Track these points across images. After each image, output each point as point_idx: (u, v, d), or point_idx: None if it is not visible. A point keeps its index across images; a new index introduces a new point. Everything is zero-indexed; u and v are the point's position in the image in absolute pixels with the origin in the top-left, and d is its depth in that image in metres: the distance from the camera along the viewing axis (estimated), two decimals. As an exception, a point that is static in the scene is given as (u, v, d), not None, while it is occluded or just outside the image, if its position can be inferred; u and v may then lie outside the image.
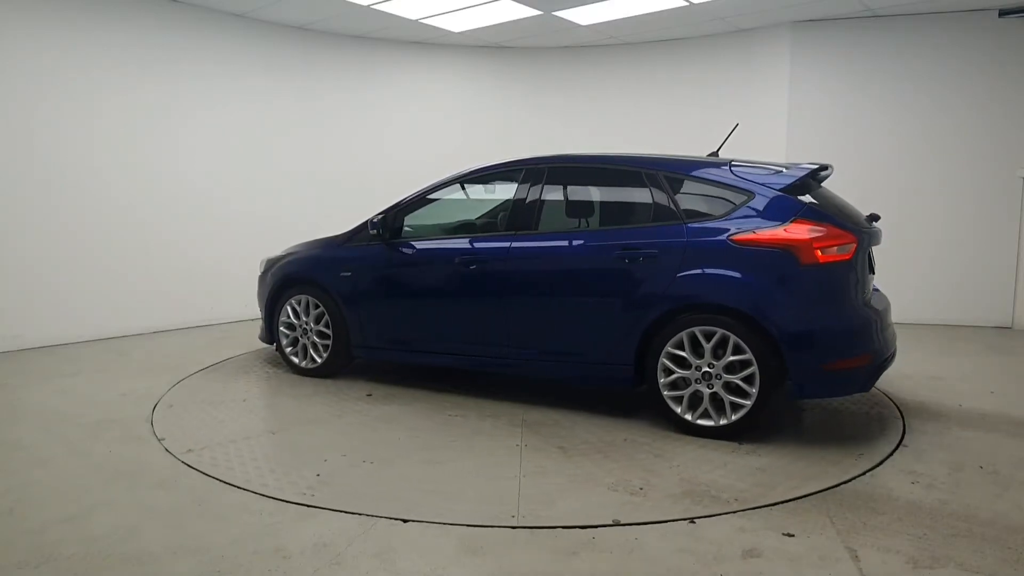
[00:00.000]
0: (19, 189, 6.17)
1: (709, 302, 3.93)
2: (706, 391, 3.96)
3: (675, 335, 3.99)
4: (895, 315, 7.63)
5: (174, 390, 5.02)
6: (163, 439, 3.98)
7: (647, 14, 7.37)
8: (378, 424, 4.30)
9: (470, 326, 4.70)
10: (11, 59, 6.07)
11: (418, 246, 4.92)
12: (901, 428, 4.19)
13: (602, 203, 4.67)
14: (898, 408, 4.59)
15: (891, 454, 3.78)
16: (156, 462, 3.70)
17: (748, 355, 3.83)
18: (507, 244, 4.57)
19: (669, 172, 4.25)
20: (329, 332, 5.18)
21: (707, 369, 3.93)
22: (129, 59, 6.75)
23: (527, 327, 4.50)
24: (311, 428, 4.23)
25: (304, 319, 5.29)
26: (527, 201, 4.60)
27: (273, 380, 5.29)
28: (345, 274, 5.07)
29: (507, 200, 4.84)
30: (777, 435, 4.06)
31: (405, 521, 3.00)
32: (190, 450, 3.81)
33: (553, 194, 4.62)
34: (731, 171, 4.17)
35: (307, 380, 5.25)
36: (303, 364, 5.35)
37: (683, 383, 4.02)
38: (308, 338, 5.30)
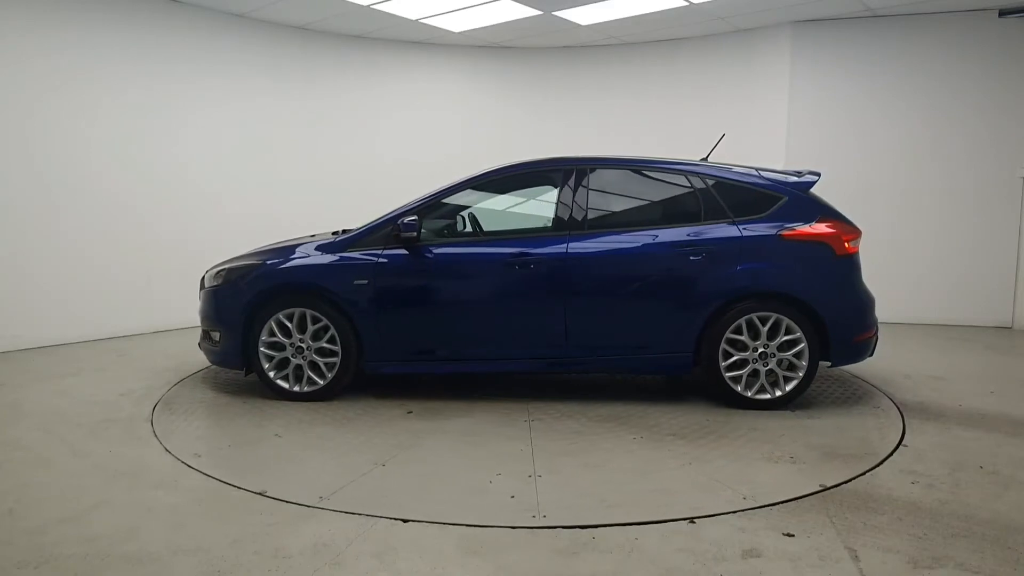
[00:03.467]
0: (19, 189, 6.17)
1: (767, 290, 4.48)
2: (762, 369, 4.49)
3: (735, 321, 4.46)
4: (895, 315, 7.66)
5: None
6: (264, 491, 3.28)
7: (647, 14, 7.37)
8: (471, 439, 4.02)
9: (524, 329, 4.60)
10: (11, 59, 6.07)
11: (458, 248, 4.71)
12: (901, 428, 4.20)
13: (653, 203, 4.82)
14: (898, 408, 4.59)
15: (891, 454, 3.78)
16: (156, 462, 3.70)
17: (798, 334, 4.44)
18: (564, 244, 4.57)
19: (712, 175, 4.69)
20: (336, 348, 4.62)
21: (763, 349, 4.45)
22: (129, 59, 6.75)
23: (590, 325, 4.56)
24: (412, 454, 3.81)
25: (298, 336, 4.64)
26: (578, 200, 4.65)
27: (288, 402, 4.66)
28: (360, 282, 4.58)
29: (545, 199, 4.84)
30: (809, 403, 4.70)
31: (405, 521, 3.00)
32: (321, 497, 3.24)
33: (603, 193, 4.73)
34: (761, 175, 4.74)
35: (312, 405, 4.60)
36: (298, 388, 4.69)
37: (741, 364, 4.49)
38: (305, 358, 4.66)
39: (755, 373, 4.51)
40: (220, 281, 4.86)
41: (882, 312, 7.54)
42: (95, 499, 3.23)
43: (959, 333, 7.10)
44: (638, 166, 4.86)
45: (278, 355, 4.69)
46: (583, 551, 2.75)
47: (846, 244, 4.52)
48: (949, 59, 7.32)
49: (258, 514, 3.07)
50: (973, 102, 7.30)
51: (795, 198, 4.60)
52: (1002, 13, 7.07)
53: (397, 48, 8.61)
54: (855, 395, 4.90)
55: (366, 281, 4.59)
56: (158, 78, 6.95)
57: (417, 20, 7.68)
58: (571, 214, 4.64)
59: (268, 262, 4.78)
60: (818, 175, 4.77)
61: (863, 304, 4.61)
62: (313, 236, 5.15)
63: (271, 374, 4.71)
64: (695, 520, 3.01)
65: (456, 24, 7.85)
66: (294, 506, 3.15)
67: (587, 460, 3.71)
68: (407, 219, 4.58)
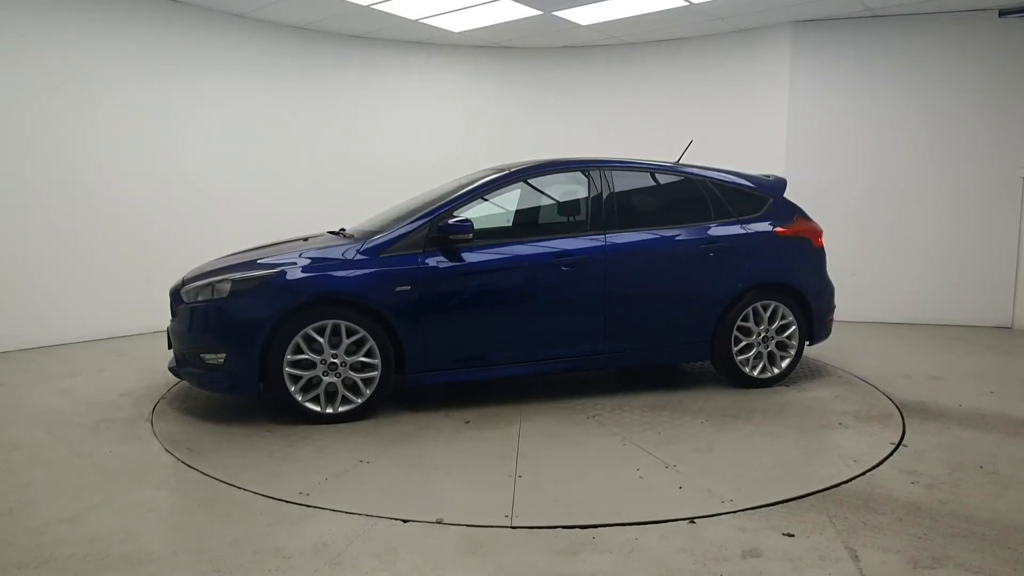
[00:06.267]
0: (19, 189, 6.17)
1: (771, 281, 5.01)
2: (764, 351, 5.02)
3: (744, 310, 4.95)
4: (895, 314, 7.66)
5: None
6: (441, 519, 3.02)
7: (647, 14, 7.37)
8: (560, 440, 3.99)
9: (570, 327, 4.64)
10: (11, 58, 6.07)
11: (505, 248, 4.59)
12: (901, 428, 4.20)
13: (671, 203, 5.14)
14: (898, 408, 4.59)
15: (891, 454, 3.78)
16: (156, 462, 3.70)
17: (791, 318, 5.05)
18: (602, 242, 4.70)
19: (716, 179, 5.16)
20: (375, 362, 4.26)
21: (764, 334, 4.98)
22: (129, 59, 6.75)
23: (625, 320, 4.76)
24: (529, 462, 3.69)
25: (331, 351, 4.19)
26: (606, 200, 4.82)
27: (317, 426, 4.19)
28: (403, 288, 4.28)
29: (572, 198, 4.95)
30: (807, 380, 5.32)
31: (405, 521, 3.00)
32: (507, 515, 3.03)
33: (625, 194, 4.95)
34: (753, 180, 5.29)
35: (354, 426, 4.18)
36: (332, 409, 4.22)
37: (747, 348, 4.98)
38: (339, 374, 4.21)
39: (758, 355, 5.02)
40: (221, 294, 4.24)
41: (882, 312, 7.62)
42: (95, 499, 3.23)
43: (959, 333, 7.09)
44: (656, 169, 5.14)
45: (307, 374, 4.18)
46: (583, 551, 2.75)
47: (820, 239, 5.28)
48: (949, 59, 7.31)
49: (258, 514, 3.07)
50: (973, 102, 7.29)
51: (778, 199, 5.26)
52: (1002, 13, 7.06)
53: (397, 48, 8.61)
54: (817, 371, 5.57)
55: (409, 287, 4.29)
56: (158, 78, 6.95)
57: (417, 20, 7.68)
58: (604, 213, 4.78)
59: (287, 270, 4.23)
60: (785, 180, 5.47)
61: (831, 290, 5.34)
62: (306, 239, 4.89)
63: (299, 397, 4.18)
64: (695, 520, 3.01)
65: (456, 24, 7.84)
66: (294, 506, 3.14)
67: (693, 446, 3.90)
68: (455, 220, 4.38)
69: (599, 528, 2.93)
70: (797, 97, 7.71)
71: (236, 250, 5.18)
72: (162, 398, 4.81)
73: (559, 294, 4.62)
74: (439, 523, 2.99)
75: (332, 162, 8.34)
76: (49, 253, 6.37)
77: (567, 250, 4.62)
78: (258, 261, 4.43)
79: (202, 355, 4.26)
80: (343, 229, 5.05)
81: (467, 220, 4.39)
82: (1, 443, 3.97)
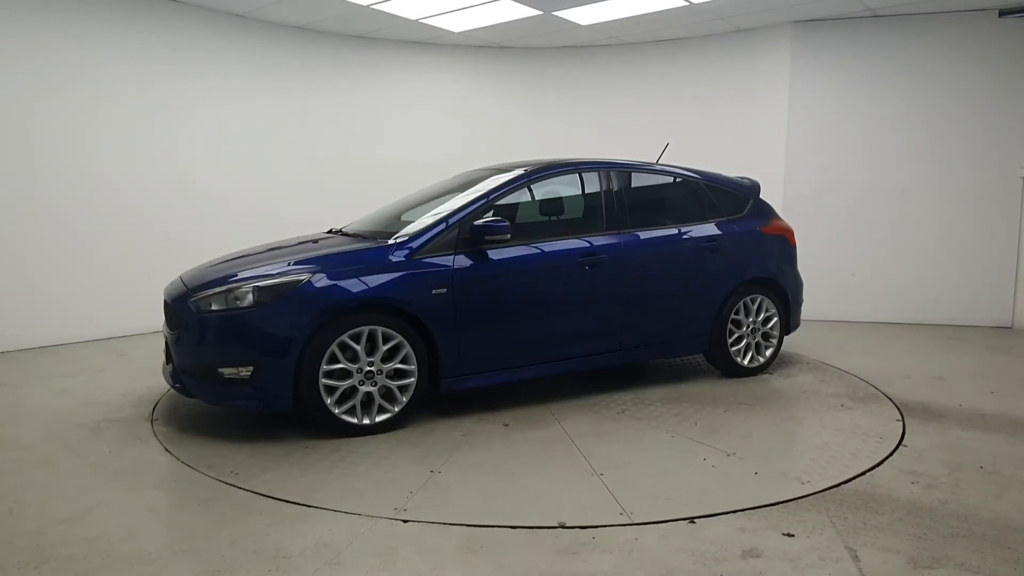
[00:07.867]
0: (18, 189, 6.17)
1: (759, 276, 5.36)
2: (752, 342, 5.36)
3: (736, 304, 5.27)
4: (895, 314, 7.66)
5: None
6: (563, 523, 2.98)
7: (647, 14, 7.37)
8: (609, 437, 4.01)
9: (593, 326, 4.74)
10: (11, 58, 6.07)
11: (532, 248, 4.51)
12: (901, 428, 4.20)
13: (672, 203, 5.39)
14: (898, 408, 4.59)
15: (891, 454, 3.78)
16: (156, 462, 3.70)
17: (774, 310, 5.43)
18: (619, 241, 4.82)
19: (707, 180, 5.44)
20: (412, 368, 4.09)
21: (753, 326, 5.35)
22: (129, 58, 6.75)
23: (640, 317, 4.92)
24: (600, 461, 3.66)
25: (367, 359, 3.98)
26: (619, 200, 4.96)
27: (350, 438, 3.98)
28: (439, 291, 4.15)
29: (586, 197, 5.01)
30: (784, 368, 5.65)
31: (405, 521, 3.00)
32: (622, 513, 3.02)
33: (636, 194, 5.14)
34: (732, 182, 5.58)
35: (397, 436, 4.02)
36: (369, 420, 4.02)
37: (739, 339, 5.30)
38: (375, 383, 4.01)
39: (747, 346, 5.35)
40: (243, 303, 3.90)
41: (882, 312, 7.62)
42: (95, 499, 3.23)
43: (959, 333, 7.10)
44: (661, 171, 5.35)
45: (342, 384, 3.94)
46: (583, 551, 2.75)
47: (793, 236, 5.67)
48: (949, 59, 7.31)
49: (258, 514, 3.07)
50: (973, 102, 7.30)
51: (756, 200, 5.60)
52: (1002, 13, 7.07)
53: (397, 48, 8.61)
54: (783, 359, 5.84)
55: (445, 290, 4.16)
56: (158, 78, 6.95)
57: (417, 20, 7.68)
58: (618, 212, 4.91)
59: (315, 275, 3.96)
60: (759, 183, 5.76)
61: (802, 284, 5.74)
62: (316, 241, 4.71)
63: (336, 410, 3.94)
64: (695, 520, 3.01)
65: (456, 24, 7.84)
66: (294, 506, 3.14)
67: (736, 434, 4.08)
68: (491, 220, 4.29)
69: (599, 528, 2.93)
70: (797, 97, 7.71)
71: (233, 251, 5.05)
72: (153, 418, 4.77)
73: (587, 292, 4.67)
74: (561, 527, 2.94)
75: (332, 162, 8.34)
76: (49, 253, 6.37)
77: (591, 249, 4.69)
78: (278, 266, 4.11)
79: (220, 370, 3.88)
80: (334, 229, 4.99)
81: (503, 220, 4.31)
82: (1, 443, 3.97)
